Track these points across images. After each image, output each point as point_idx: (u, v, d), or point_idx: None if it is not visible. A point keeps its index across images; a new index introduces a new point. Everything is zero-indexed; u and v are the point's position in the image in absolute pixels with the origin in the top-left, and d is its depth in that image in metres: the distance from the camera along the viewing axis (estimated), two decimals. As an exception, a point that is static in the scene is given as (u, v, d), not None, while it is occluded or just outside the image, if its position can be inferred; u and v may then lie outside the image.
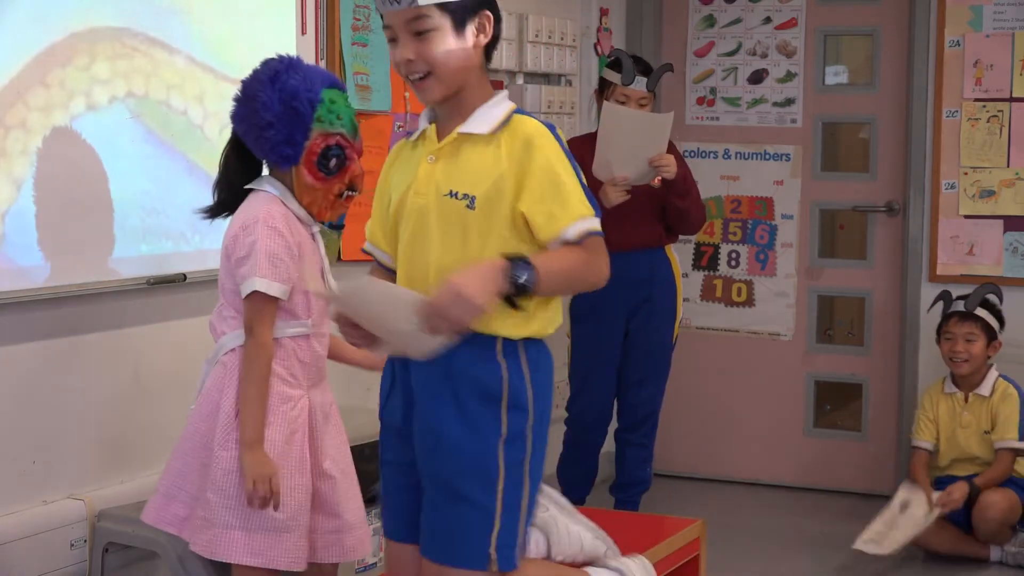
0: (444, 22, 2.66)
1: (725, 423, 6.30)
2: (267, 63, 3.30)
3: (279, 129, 3.21)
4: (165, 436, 3.93)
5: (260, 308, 3.18)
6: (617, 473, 5.34)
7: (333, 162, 3.26)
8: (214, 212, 3.37)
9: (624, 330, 5.17)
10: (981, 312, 5.27)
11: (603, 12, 6.14)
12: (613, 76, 5.08)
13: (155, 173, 3.93)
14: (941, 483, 5.24)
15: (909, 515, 5.12)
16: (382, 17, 2.72)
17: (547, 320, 2.79)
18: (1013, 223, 5.79)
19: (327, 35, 4.52)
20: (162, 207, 3.95)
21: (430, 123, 2.80)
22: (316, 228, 3.35)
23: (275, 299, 3.19)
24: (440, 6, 2.66)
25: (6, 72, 3.51)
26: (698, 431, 6.32)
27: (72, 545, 3.70)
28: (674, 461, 6.29)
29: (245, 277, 3.18)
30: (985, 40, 5.78)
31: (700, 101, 6.31)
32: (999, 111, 5.77)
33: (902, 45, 5.97)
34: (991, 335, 5.27)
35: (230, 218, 3.32)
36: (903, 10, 5.96)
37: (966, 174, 5.84)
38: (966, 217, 5.84)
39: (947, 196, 5.87)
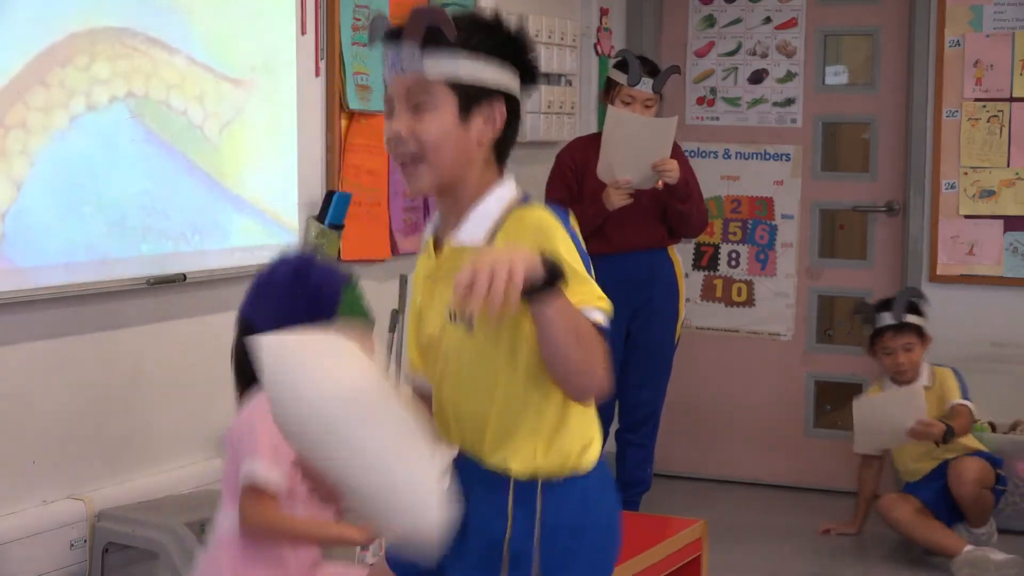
0: (448, 101, 2.25)
1: (725, 423, 6.30)
2: (284, 260, 3.17)
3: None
4: (165, 436, 3.94)
5: (256, 497, 3.00)
6: (617, 473, 5.33)
7: None
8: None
9: (625, 331, 5.16)
10: (912, 319, 5.27)
11: (603, 12, 6.14)
12: (619, 77, 5.07)
13: (155, 173, 3.93)
14: (910, 488, 5.27)
15: (899, 417, 5.13)
16: (386, 88, 2.34)
17: (576, 449, 2.28)
18: (1013, 223, 5.79)
19: (327, 35, 4.52)
20: (162, 207, 3.95)
21: (432, 234, 2.39)
22: None
23: (273, 489, 3.01)
24: (449, 82, 2.25)
25: (6, 72, 3.50)
26: (698, 431, 6.32)
27: (72, 545, 3.70)
28: (674, 461, 6.28)
29: (247, 463, 3.02)
30: (985, 40, 5.78)
31: (700, 101, 6.31)
32: (999, 111, 5.77)
33: (902, 45, 5.97)
34: (923, 335, 5.29)
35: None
36: (903, 10, 5.96)
37: (966, 174, 5.84)
38: (966, 217, 5.84)
39: (947, 196, 5.86)
